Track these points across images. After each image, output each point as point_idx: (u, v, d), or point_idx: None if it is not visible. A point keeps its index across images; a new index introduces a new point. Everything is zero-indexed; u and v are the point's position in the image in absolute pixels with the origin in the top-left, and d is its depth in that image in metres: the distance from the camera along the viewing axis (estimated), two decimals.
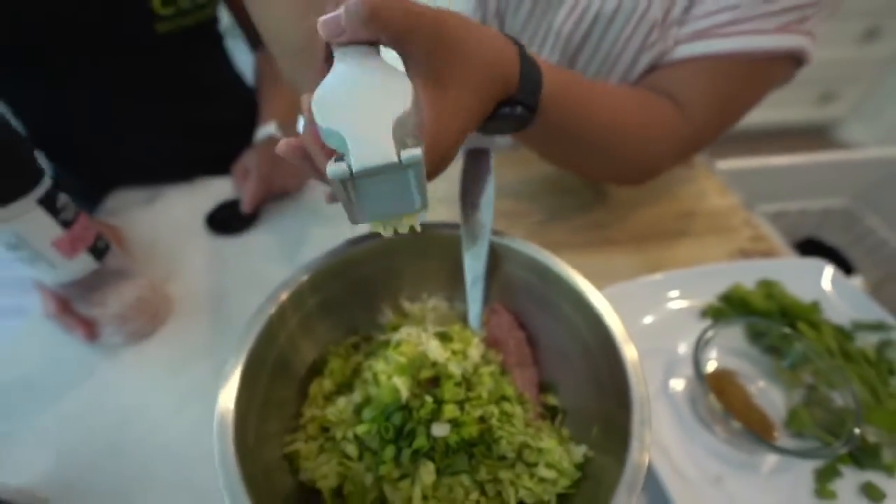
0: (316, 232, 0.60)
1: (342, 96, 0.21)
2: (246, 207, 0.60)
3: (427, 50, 0.25)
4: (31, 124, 0.63)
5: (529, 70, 0.32)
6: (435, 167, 0.26)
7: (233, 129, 0.74)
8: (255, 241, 0.60)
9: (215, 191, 0.66)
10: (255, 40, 0.77)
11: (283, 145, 0.25)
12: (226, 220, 0.61)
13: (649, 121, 0.45)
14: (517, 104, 0.32)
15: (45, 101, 0.61)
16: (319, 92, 0.21)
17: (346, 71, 0.22)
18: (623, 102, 0.44)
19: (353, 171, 0.20)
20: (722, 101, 0.47)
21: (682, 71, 0.47)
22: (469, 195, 0.36)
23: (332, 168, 0.20)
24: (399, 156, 0.20)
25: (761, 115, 2.12)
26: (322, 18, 0.23)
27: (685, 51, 0.46)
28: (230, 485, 0.24)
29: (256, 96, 0.76)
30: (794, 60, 0.46)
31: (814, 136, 2.17)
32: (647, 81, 0.50)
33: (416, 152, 0.20)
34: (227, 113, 0.76)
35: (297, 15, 0.35)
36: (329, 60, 0.25)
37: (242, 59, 0.80)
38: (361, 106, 0.21)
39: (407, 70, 0.26)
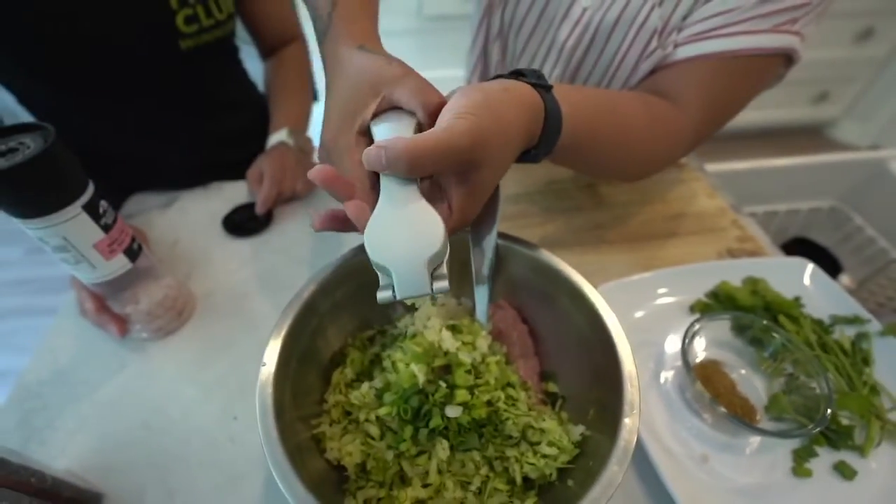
0: (327, 234, 0.63)
1: (387, 236, 0.27)
2: (259, 209, 0.63)
3: (460, 171, 0.29)
4: (58, 133, 0.66)
5: (553, 122, 0.35)
6: (460, 228, 0.31)
7: (246, 136, 0.78)
8: (270, 243, 0.63)
9: (230, 195, 0.69)
10: (265, 51, 0.81)
11: (316, 173, 0.29)
12: (241, 223, 0.65)
13: (653, 123, 0.47)
14: (536, 152, 0.36)
15: (71, 112, 0.64)
16: (369, 230, 0.27)
17: (389, 211, 0.28)
18: (628, 108, 0.46)
19: (396, 297, 0.27)
20: (719, 99, 0.49)
21: (680, 72, 0.49)
22: None
23: (381, 295, 0.27)
24: (431, 288, 0.27)
25: (757, 115, 2.14)
26: (366, 152, 0.27)
27: (683, 53, 0.49)
28: (275, 458, 0.28)
29: (267, 103, 0.79)
30: (786, 59, 0.49)
31: (808, 135, 2.20)
32: (646, 84, 0.52)
33: (444, 285, 0.27)
34: (242, 121, 0.79)
35: None
36: (375, 188, 0.30)
37: (253, 66, 0.83)
38: (403, 245, 0.27)
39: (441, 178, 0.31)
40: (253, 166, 0.68)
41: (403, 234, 0.27)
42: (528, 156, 0.36)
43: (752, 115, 2.09)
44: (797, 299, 0.52)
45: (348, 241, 0.62)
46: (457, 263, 0.41)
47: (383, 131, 0.30)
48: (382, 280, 0.27)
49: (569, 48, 0.55)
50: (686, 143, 0.50)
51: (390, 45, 0.33)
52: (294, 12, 0.80)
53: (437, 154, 0.26)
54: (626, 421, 0.30)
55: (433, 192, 0.31)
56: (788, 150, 0.96)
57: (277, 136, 0.71)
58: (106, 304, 0.49)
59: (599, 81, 0.57)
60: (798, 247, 1.01)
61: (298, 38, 0.81)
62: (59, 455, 0.43)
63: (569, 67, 0.57)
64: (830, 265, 1.01)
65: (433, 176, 0.31)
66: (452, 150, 0.27)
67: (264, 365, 0.32)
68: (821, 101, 2.07)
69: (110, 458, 0.43)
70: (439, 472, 0.34)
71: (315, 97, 1.84)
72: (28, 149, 0.36)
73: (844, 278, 0.98)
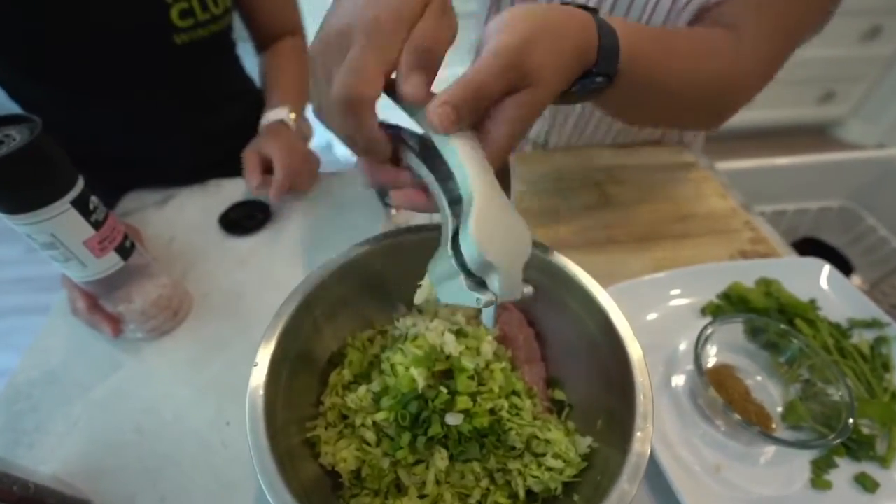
0: (326, 232, 0.62)
1: (494, 235, 0.25)
2: (274, 197, 0.59)
3: (513, 90, 0.27)
4: (50, 128, 0.65)
5: (607, 41, 0.32)
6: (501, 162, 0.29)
7: (244, 133, 0.76)
8: (267, 241, 0.61)
9: (227, 192, 0.68)
10: (261, 44, 0.79)
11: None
12: (239, 221, 0.63)
13: (720, 58, 0.43)
14: (596, 75, 0.33)
15: (64, 107, 0.63)
16: (479, 228, 0.25)
17: (489, 209, 0.25)
18: (697, 45, 0.42)
19: (498, 301, 0.26)
20: (780, 26, 0.45)
21: (733, 6, 0.45)
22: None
23: (484, 300, 0.25)
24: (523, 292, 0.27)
25: (762, 114, 2.12)
26: (432, 112, 0.25)
27: None
28: (263, 464, 0.26)
29: (264, 91, 0.77)
30: None
31: (814, 135, 2.18)
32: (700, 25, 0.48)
33: (529, 290, 0.27)
34: (239, 117, 0.77)
35: None
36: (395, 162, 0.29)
37: (250, 60, 0.82)
38: (506, 245, 0.26)
39: None
40: (250, 150, 0.62)
41: (504, 234, 0.25)
42: (589, 80, 0.33)
43: (757, 115, 2.08)
44: (813, 301, 0.50)
45: (348, 239, 0.61)
46: None
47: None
48: (469, 284, 0.26)
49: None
50: (753, 84, 0.46)
51: None
52: (295, 6, 0.79)
53: (484, 82, 0.25)
54: (639, 434, 0.28)
55: None
56: (794, 151, 0.94)
57: (277, 113, 0.66)
58: (98, 304, 0.48)
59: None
60: (807, 247, 0.99)
61: (298, 32, 0.80)
62: (48, 459, 0.42)
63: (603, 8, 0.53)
64: (841, 266, 0.98)
65: None
66: (504, 68, 0.26)
67: (256, 365, 0.30)
68: (827, 101, 2.05)
69: (100, 463, 0.42)
70: (437, 482, 0.32)
71: None
72: (14, 141, 0.34)
73: (855, 280, 0.96)
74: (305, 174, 0.64)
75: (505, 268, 0.25)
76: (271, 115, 0.67)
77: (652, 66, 0.37)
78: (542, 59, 0.27)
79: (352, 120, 0.26)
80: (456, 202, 0.27)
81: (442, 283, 0.27)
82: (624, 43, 0.33)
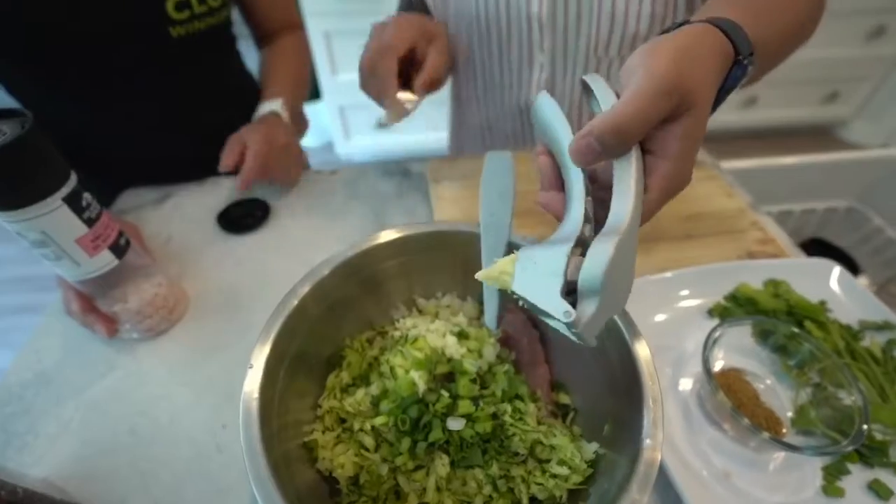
0: (325, 230, 0.61)
1: (615, 272, 0.23)
2: (240, 186, 0.59)
3: (670, 118, 0.26)
4: (45, 124, 0.64)
5: (731, 31, 0.30)
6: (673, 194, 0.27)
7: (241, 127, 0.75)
8: (266, 240, 0.61)
9: (226, 190, 0.67)
10: (261, 39, 0.78)
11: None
12: (237, 219, 0.62)
13: None
14: (741, 63, 0.30)
15: (60, 101, 0.62)
16: (615, 256, 0.23)
17: (626, 245, 0.24)
18: None
19: (579, 329, 0.23)
20: None
21: None
22: (489, 197, 0.37)
23: (573, 315, 0.22)
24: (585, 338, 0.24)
25: (765, 114, 2.11)
26: (574, 146, 0.25)
27: None
28: (256, 471, 0.25)
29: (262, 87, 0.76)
30: None
31: (817, 136, 2.17)
32: None
33: (594, 342, 0.24)
34: (238, 114, 0.76)
35: None
36: None
37: (252, 59, 0.81)
38: (614, 289, 0.23)
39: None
40: (235, 134, 0.62)
41: (620, 276, 0.24)
42: (738, 69, 0.31)
43: (760, 115, 2.07)
44: (823, 303, 0.49)
45: (348, 237, 0.60)
46: (461, 257, 0.38)
47: None
48: (562, 292, 0.23)
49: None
50: None
51: None
52: (292, 0, 0.78)
53: (644, 108, 0.23)
54: (648, 441, 0.27)
55: None
56: (797, 151, 0.93)
57: (270, 105, 0.66)
58: (94, 304, 0.47)
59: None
60: (813, 248, 0.98)
61: (298, 27, 0.79)
62: (39, 462, 0.41)
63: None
64: (847, 267, 0.97)
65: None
66: (662, 92, 0.24)
67: (251, 367, 0.29)
68: (831, 101, 2.03)
69: (92, 466, 0.41)
70: (438, 489, 0.31)
71: (317, 94, 1.82)
72: (4, 136, 0.33)
73: (862, 281, 0.95)
74: (282, 166, 0.62)
75: (604, 305, 0.23)
76: (264, 107, 0.66)
77: (771, 23, 0.35)
78: (696, 73, 0.25)
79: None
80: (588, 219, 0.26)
81: (529, 274, 0.25)
82: (741, 21, 0.31)
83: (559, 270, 0.23)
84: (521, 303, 0.24)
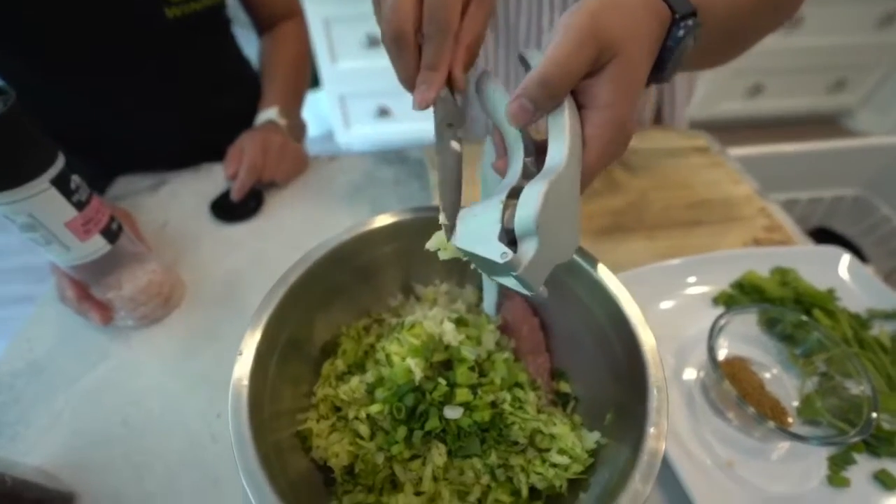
0: (320, 218, 0.60)
1: (553, 212, 0.23)
2: (235, 196, 0.60)
3: (596, 68, 0.26)
4: (38, 108, 0.63)
5: None
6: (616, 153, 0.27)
7: (239, 117, 0.74)
8: (260, 228, 0.60)
9: (220, 177, 0.66)
10: (261, 26, 0.76)
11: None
12: (231, 207, 0.61)
13: None
14: (680, 21, 0.29)
15: (52, 85, 0.60)
16: (549, 194, 0.23)
17: (562, 185, 0.24)
18: None
19: (517, 274, 0.23)
20: None
21: None
22: (489, 182, 0.35)
23: (509, 255, 0.23)
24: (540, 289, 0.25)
25: (770, 103, 2.06)
26: (510, 111, 0.25)
27: None
28: (245, 461, 0.24)
29: (261, 81, 0.75)
30: None
31: (823, 125, 2.14)
32: None
33: (545, 292, 0.25)
34: (234, 100, 0.75)
35: None
36: None
37: (250, 47, 0.80)
38: (555, 230, 0.23)
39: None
40: (235, 144, 0.64)
41: (561, 220, 0.24)
42: (677, 29, 0.30)
43: (765, 104, 2.04)
44: (831, 291, 0.47)
45: (343, 224, 0.58)
46: None
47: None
48: (501, 236, 0.23)
49: None
50: None
51: None
52: None
53: (564, 60, 0.24)
54: (652, 430, 0.26)
55: None
56: (801, 141, 0.91)
57: (266, 114, 0.67)
58: (88, 292, 0.46)
59: None
60: (819, 237, 0.96)
61: (297, 13, 0.77)
62: (30, 452, 0.40)
63: None
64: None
65: None
66: (580, 42, 0.24)
67: (240, 355, 0.28)
68: (837, 90, 2.00)
69: (85, 456, 0.40)
70: (434, 479, 0.30)
71: (316, 81, 1.80)
72: None
73: (868, 270, 0.94)
74: (279, 169, 0.63)
75: (544, 248, 0.23)
76: (262, 117, 0.68)
77: None
78: (617, 23, 0.26)
79: (394, 49, 0.29)
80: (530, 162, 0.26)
81: (469, 227, 0.25)
82: None
83: (496, 218, 0.24)
84: (471, 263, 0.25)
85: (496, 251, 0.23)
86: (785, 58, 1.87)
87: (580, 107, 0.26)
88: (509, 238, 0.23)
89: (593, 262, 0.34)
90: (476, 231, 0.24)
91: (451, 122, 0.31)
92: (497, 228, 0.23)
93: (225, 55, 0.74)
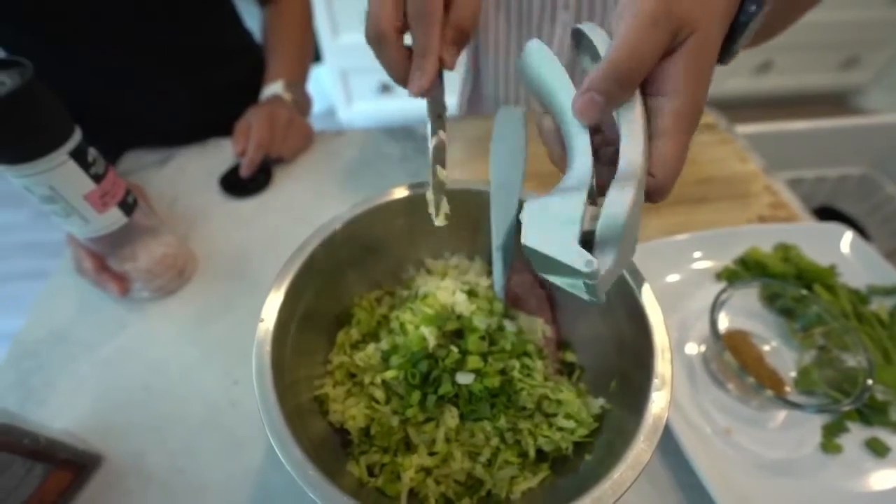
0: (328, 192, 0.61)
1: (629, 223, 0.21)
2: (244, 173, 0.61)
3: (670, 51, 0.23)
4: (43, 80, 0.63)
5: None
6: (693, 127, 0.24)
7: (244, 91, 0.73)
8: (270, 202, 0.60)
9: (227, 152, 0.66)
10: None
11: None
12: (239, 182, 0.62)
13: None
14: None
15: (57, 60, 0.60)
16: (633, 201, 0.21)
17: (640, 193, 0.22)
18: None
19: (597, 281, 0.21)
20: None
21: None
22: (499, 155, 0.36)
23: (595, 264, 0.20)
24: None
25: (779, 80, 2.02)
26: (577, 104, 0.23)
27: None
28: (271, 420, 0.26)
29: (264, 54, 0.75)
30: None
31: (832, 104, 2.10)
32: None
33: (603, 299, 0.23)
34: (239, 74, 0.75)
35: None
36: None
37: (252, 20, 0.78)
38: (630, 236, 0.22)
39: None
40: (242, 119, 0.64)
41: (633, 233, 0.22)
42: (749, 6, 0.27)
43: (774, 81, 2.00)
44: (833, 267, 0.48)
45: (350, 199, 0.59)
46: (470, 216, 0.38)
47: None
48: (585, 262, 0.20)
49: None
50: None
51: None
52: None
53: (637, 42, 0.22)
54: (655, 395, 0.27)
55: None
56: (809, 118, 0.90)
57: (272, 88, 0.67)
58: (106, 264, 0.47)
59: None
60: (823, 216, 0.97)
61: None
62: (58, 416, 0.42)
63: None
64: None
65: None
66: (651, 23, 0.22)
67: (262, 321, 0.30)
68: (849, 67, 1.96)
69: (109, 420, 0.42)
70: (447, 440, 0.32)
71: (317, 56, 1.77)
72: (4, 86, 0.32)
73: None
74: (286, 144, 0.63)
75: (621, 256, 0.21)
76: (268, 91, 0.67)
77: None
78: (690, 1, 0.23)
79: (375, 49, 0.30)
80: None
81: (541, 226, 0.22)
82: None
83: (576, 219, 0.21)
84: (529, 260, 0.23)
85: (579, 259, 0.20)
86: (795, 33, 1.82)
87: (649, 95, 0.24)
88: (583, 239, 0.21)
89: None
90: (551, 231, 0.22)
91: (440, 112, 0.32)
92: (577, 230, 0.21)
93: (228, 28, 0.73)
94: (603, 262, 0.21)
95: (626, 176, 0.22)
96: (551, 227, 0.22)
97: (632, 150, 0.22)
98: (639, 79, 0.23)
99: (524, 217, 0.23)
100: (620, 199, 0.21)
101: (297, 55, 0.74)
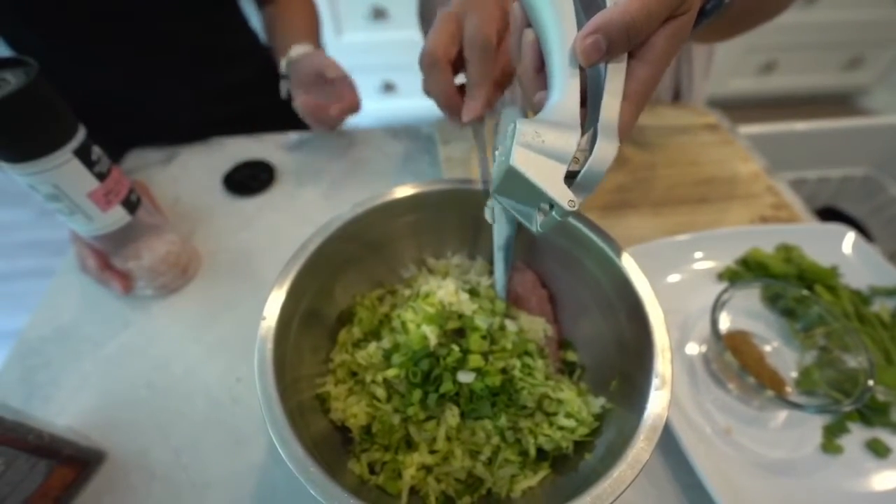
0: (330, 191, 0.61)
1: None
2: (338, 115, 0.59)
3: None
4: (48, 78, 0.63)
5: None
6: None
7: (249, 90, 0.74)
8: (273, 201, 0.60)
9: (230, 151, 0.66)
10: None
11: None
12: (243, 181, 0.62)
13: None
14: None
15: (62, 58, 0.60)
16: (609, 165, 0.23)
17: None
18: None
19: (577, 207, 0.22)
20: None
21: None
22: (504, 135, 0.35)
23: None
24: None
25: (782, 80, 2.01)
26: (581, 44, 0.23)
27: None
28: (273, 417, 0.26)
29: (270, 55, 0.75)
30: None
31: (836, 104, 2.10)
32: None
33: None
34: (245, 74, 0.75)
35: None
36: None
37: (255, 19, 0.79)
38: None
39: None
40: (322, 62, 0.59)
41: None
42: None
43: (777, 81, 2.00)
44: (835, 268, 0.48)
45: (354, 198, 0.59)
46: (471, 216, 0.38)
47: None
48: (569, 200, 0.22)
49: None
50: None
51: None
52: None
53: (652, 3, 0.22)
54: (655, 395, 0.27)
55: None
56: (811, 119, 0.90)
57: (302, 48, 0.62)
58: (110, 261, 0.48)
59: None
60: (826, 217, 0.96)
61: None
62: (62, 412, 0.42)
63: None
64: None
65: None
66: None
67: (264, 319, 0.30)
68: (853, 67, 1.95)
69: (113, 417, 0.42)
70: (448, 438, 0.32)
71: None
72: (9, 85, 0.33)
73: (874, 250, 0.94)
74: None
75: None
76: (298, 50, 0.62)
77: None
78: None
79: (427, 74, 0.32)
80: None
81: (533, 154, 0.23)
82: None
83: (567, 158, 0.22)
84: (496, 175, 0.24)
85: (563, 195, 0.22)
86: (800, 33, 1.83)
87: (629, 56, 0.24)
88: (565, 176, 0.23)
89: (603, 235, 0.34)
90: (540, 161, 0.23)
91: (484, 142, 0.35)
92: (565, 168, 0.22)
93: (231, 26, 0.73)
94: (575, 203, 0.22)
95: (609, 130, 0.23)
96: (543, 158, 0.23)
97: (615, 106, 0.23)
98: (644, 37, 0.23)
99: (515, 135, 0.23)
100: (606, 152, 0.22)
101: (311, 31, 0.71)
